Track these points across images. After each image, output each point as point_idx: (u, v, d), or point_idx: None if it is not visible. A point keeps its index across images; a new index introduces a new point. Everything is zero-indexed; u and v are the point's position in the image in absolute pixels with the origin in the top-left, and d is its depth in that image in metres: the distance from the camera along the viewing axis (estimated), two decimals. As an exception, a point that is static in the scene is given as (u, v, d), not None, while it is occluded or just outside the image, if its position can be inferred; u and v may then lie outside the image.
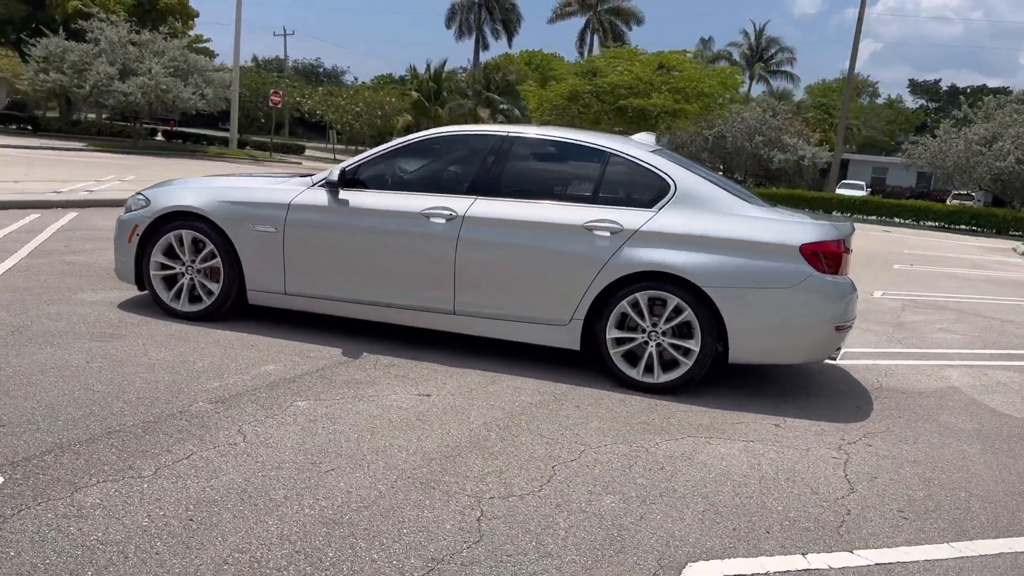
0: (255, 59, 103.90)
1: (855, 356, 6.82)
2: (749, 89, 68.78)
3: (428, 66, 61.04)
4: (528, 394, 4.91)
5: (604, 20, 63.04)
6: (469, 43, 68.12)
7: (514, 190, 5.47)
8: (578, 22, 64.80)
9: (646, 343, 5.17)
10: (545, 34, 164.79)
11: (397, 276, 5.50)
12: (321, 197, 5.62)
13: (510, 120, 50.05)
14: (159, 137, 44.93)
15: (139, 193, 6.10)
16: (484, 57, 65.41)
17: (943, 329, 8.55)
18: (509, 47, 69.04)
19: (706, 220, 5.15)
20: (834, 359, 5.43)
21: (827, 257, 5.06)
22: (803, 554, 3.21)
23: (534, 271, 5.28)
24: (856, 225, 6.47)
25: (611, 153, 5.48)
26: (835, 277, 5.09)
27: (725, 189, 5.38)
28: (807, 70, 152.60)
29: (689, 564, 3.04)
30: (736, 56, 72.57)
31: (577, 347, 5.32)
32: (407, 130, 49.23)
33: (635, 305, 5.15)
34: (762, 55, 73.49)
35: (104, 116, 44.60)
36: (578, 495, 3.54)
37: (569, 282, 5.21)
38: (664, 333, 5.14)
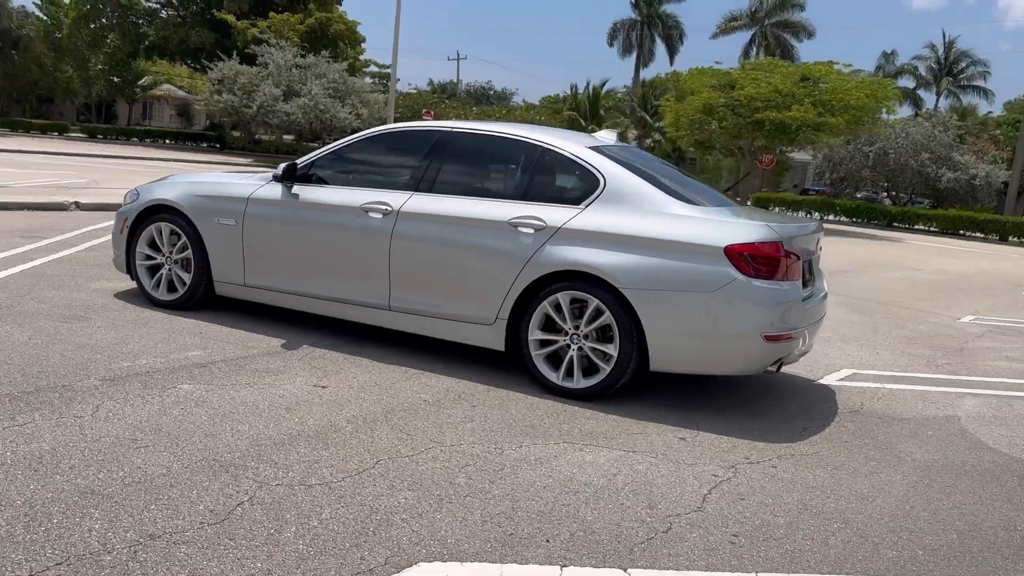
0: (430, 82, 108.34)
1: (862, 378, 6.19)
2: (936, 104, 64.10)
3: (588, 85, 61.40)
4: (432, 392, 4.80)
5: (771, 34, 60.89)
6: (633, 61, 67.75)
7: (450, 185, 5.39)
8: (743, 36, 63.02)
9: (568, 346, 4.93)
10: (709, 50, 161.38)
11: (339, 270, 5.55)
12: (276, 191, 5.78)
13: (665, 138, 49.27)
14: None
15: (135, 188, 6.50)
16: (647, 74, 64.87)
17: (1008, 357, 7.57)
18: (670, 64, 68.24)
19: (630, 218, 4.85)
20: (773, 372, 4.92)
21: (756, 260, 4.62)
22: (562, 566, 2.93)
23: (461, 268, 5.18)
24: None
25: (544, 148, 5.28)
26: (767, 282, 4.63)
27: (661, 186, 5.05)
28: (1012, 85, 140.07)
29: (418, 563, 2.86)
30: (922, 70, 67.92)
31: (502, 347, 5.14)
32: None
33: (557, 306, 4.92)
34: (951, 69, 68.27)
35: (270, 134, 47.87)
36: (374, 489, 3.41)
37: (493, 280, 5.06)
38: (586, 336, 4.88)
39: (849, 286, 11.68)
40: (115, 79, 53.38)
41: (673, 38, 64.64)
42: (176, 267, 6.14)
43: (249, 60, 37.33)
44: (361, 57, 53.21)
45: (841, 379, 6.13)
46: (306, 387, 4.66)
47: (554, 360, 4.99)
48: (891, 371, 6.54)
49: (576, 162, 5.15)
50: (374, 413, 4.33)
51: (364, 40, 49.51)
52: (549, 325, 4.98)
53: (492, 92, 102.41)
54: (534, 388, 5.01)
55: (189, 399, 4.26)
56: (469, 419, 4.39)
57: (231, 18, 43.46)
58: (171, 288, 6.16)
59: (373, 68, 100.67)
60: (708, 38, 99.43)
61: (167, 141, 47.45)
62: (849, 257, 16.41)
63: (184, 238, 6.05)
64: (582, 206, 4.98)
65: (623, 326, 4.73)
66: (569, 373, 4.91)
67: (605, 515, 3.37)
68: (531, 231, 4.97)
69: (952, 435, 4.99)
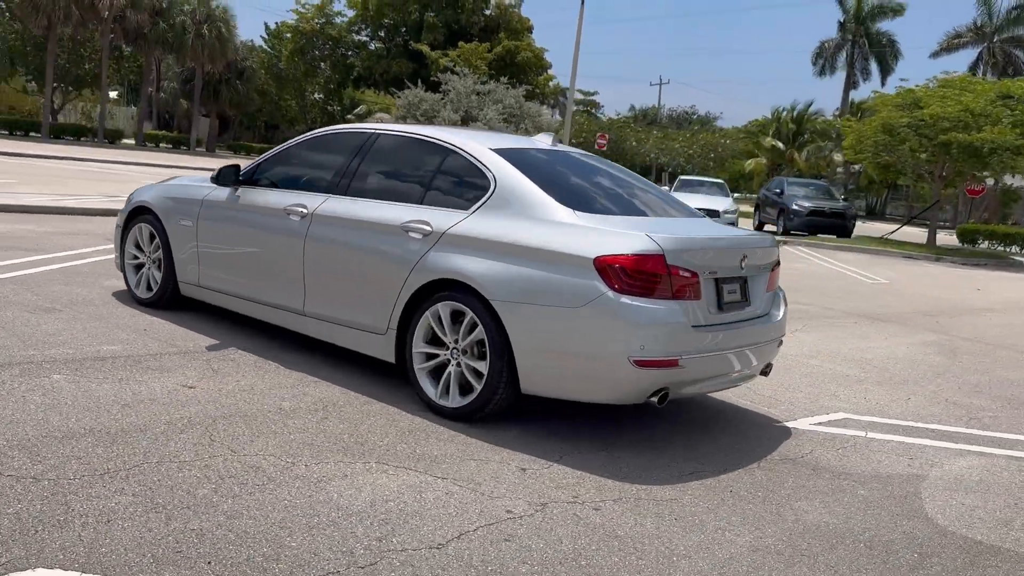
0: (631, 108, 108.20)
1: (849, 423, 5.29)
2: None
3: (792, 108, 58.64)
4: (300, 400, 4.61)
5: (1001, 51, 55.17)
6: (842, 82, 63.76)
7: (364, 188, 5.20)
8: (968, 54, 57.54)
9: (448, 361, 4.57)
10: (929, 70, 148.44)
11: (265, 273, 5.52)
12: (224, 194, 5.85)
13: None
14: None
15: (135, 190, 6.84)
16: (857, 95, 60.81)
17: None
18: (882, 85, 63.35)
19: (508, 224, 4.43)
20: (658, 404, 4.24)
21: (628, 274, 4.04)
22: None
23: (360, 274, 4.97)
24: None
25: (449, 149, 4.96)
26: (640, 299, 4.04)
27: (558, 191, 4.57)
28: None
29: (36, 568, 2.68)
30: None
31: (392, 359, 4.85)
32: (768, 173, 47.91)
33: (439, 317, 4.58)
34: None
35: None
36: (96, 490, 3.27)
37: (385, 288, 4.80)
38: (464, 352, 4.49)
39: (969, 326, 10.15)
40: (329, 107, 57.76)
41: (886, 57, 60.14)
42: (153, 267, 6.37)
43: (436, 88, 39.05)
44: (551, 83, 54.00)
45: (818, 423, 5.26)
46: (175, 386, 4.62)
47: (437, 375, 4.64)
48: (899, 420, 5.53)
49: (473, 164, 4.79)
50: (208, 417, 4.20)
51: (550, 67, 50.29)
52: (434, 338, 4.64)
53: (695, 116, 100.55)
54: (419, 405, 4.69)
55: (44, 389, 4.34)
56: (303, 430, 4.16)
57: (426, 48, 45.71)
58: (148, 287, 6.40)
59: (577, 95, 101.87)
60: (928, 56, 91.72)
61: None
62: (1002, 296, 14.32)
63: (158, 238, 6.27)
64: (470, 210, 4.62)
65: (494, 342, 4.31)
66: (447, 390, 4.55)
67: (315, 542, 3.03)
68: (419, 236, 4.68)
69: (891, 498, 4.10)
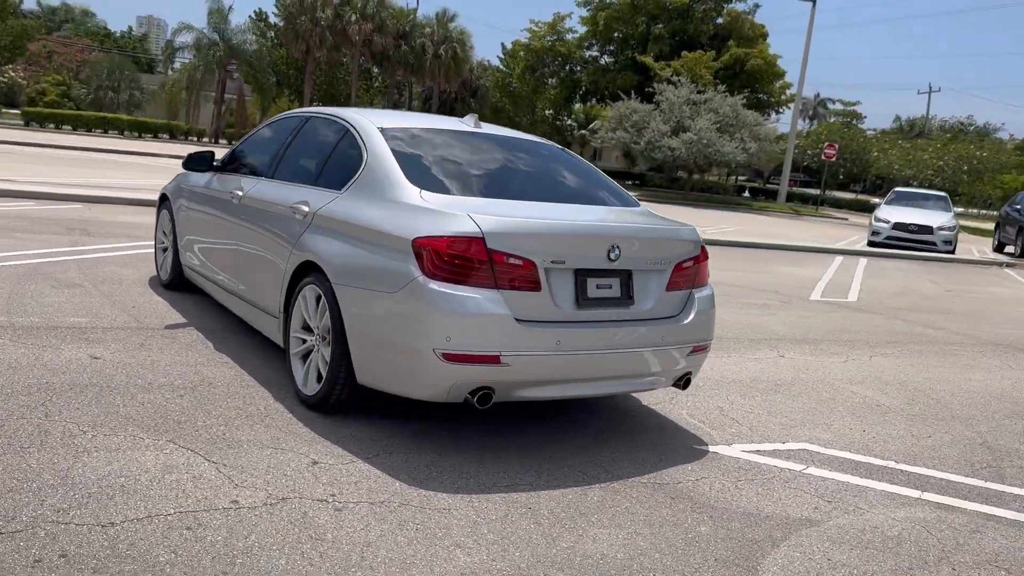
0: (896, 119, 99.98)
1: (798, 456, 4.45)
2: None
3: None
4: (190, 379, 4.63)
5: None
6: None
7: (286, 170, 5.19)
8: None
9: (313, 347, 4.42)
10: None
11: (218, 256, 5.67)
12: (201, 180, 6.11)
13: None
14: (746, 193, 47.54)
15: (169, 182, 7.34)
16: None
17: None
18: None
19: (362, 204, 4.22)
20: (478, 405, 3.74)
21: (440, 257, 3.66)
22: None
23: (261, 256, 4.96)
24: None
25: (346, 128, 4.79)
26: (451, 286, 3.64)
27: (424, 171, 4.25)
28: None
29: None
30: None
31: (281, 344, 4.78)
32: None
33: (305, 301, 4.44)
34: None
35: (718, 174, 48.48)
36: None
37: (276, 269, 4.75)
38: (323, 338, 4.32)
39: None
40: (558, 122, 58.93)
41: None
42: (170, 251, 6.78)
43: (650, 99, 38.50)
44: (788, 91, 51.25)
45: (757, 450, 4.46)
46: (83, 356, 4.85)
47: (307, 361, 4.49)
48: (878, 458, 4.56)
49: (357, 142, 4.59)
50: (70, 384, 4.33)
51: (784, 74, 47.70)
52: (306, 323, 4.50)
53: (972, 128, 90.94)
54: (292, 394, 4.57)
55: (-34, 349, 4.74)
56: (141, 405, 4.17)
57: (650, 60, 45.22)
58: (168, 270, 6.83)
59: (837, 105, 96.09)
60: None
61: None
62: None
63: (171, 224, 6.68)
64: (342, 190, 4.44)
65: (335, 327, 4.10)
66: (308, 376, 4.39)
67: (15, 504, 3.01)
68: (300, 217, 4.58)
69: (732, 542, 3.36)
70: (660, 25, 48.21)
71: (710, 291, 4.48)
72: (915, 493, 4.09)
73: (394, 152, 4.33)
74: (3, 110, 46.93)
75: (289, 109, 55.65)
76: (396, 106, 59.16)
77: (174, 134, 45.83)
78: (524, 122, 58.55)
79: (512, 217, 3.83)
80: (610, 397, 5.05)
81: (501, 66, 57.39)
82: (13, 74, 55.92)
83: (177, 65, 53.42)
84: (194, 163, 5.96)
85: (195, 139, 46.59)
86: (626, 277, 4.07)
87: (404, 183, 4.10)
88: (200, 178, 6.18)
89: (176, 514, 3.09)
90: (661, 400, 5.18)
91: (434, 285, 3.65)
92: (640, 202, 4.80)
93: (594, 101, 53.97)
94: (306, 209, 4.51)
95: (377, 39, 47.19)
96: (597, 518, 3.44)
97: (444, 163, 4.41)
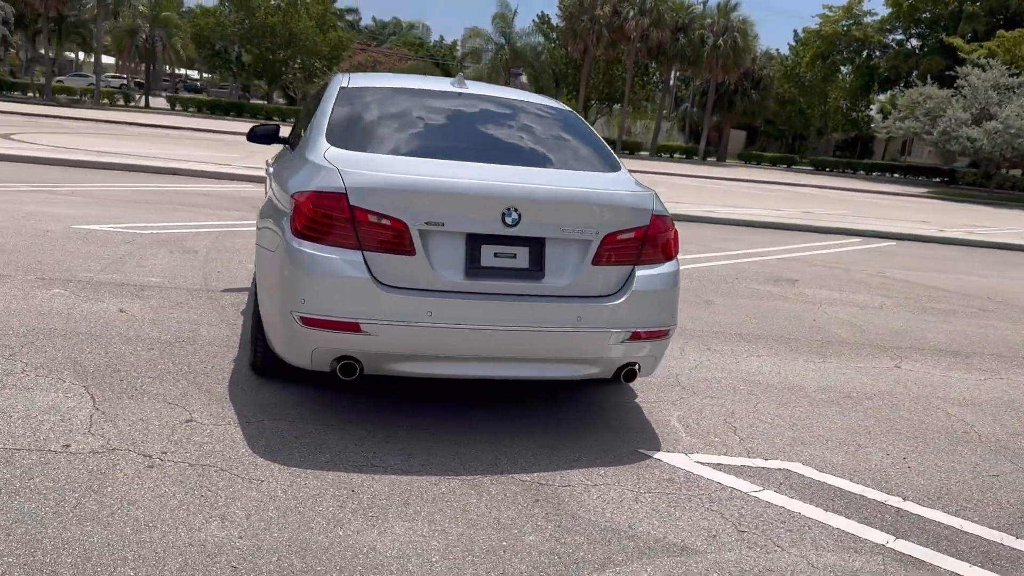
0: None
1: (772, 479, 3.64)
2: None
3: None
4: (185, 335, 4.83)
5: None
6: None
7: (295, 138, 5.19)
8: None
9: (265, 310, 4.40)
10: None
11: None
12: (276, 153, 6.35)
13: None
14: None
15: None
16: None
17: None
18: None
19: (285, 164, 4.31)
20: (342, 377, 3.40)
21: (304, 214, 3.45)
22: None
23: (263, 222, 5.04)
24: None
25: (324, 89, 4.66)
26: (311, 244, 3.41)
27: (347, 130, 3.98)
28: None
29: None
30: None
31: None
32: None
33: (263, 264, 4.43)
34: None
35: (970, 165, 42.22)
36: None
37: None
38: (266, 300, 4.28)
39: None
40: (854, 113, 54.40)
41: None
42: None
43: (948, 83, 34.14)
44: None
45: (720, 464, 3.69)
46: (113, 308, 5.25)
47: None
48: (864, 485, 3.56)
49: (320, 103, 4.44)
50: (65, 330, 4.69)
51: None
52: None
53: None
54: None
55: (32, 295, 5.33)
56: (99, 354, 4.39)
57: (959, 41, 40.26)
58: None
59: None
60: None
61: (894, 175, 46.62)
62: None
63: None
64: (296, 148, 4.34)
65: (252, 289, 4.04)
66: (259, 341, 4.38)
67: None
68: (266, 175, 4.60)
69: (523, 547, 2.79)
70: (975, 2, 42.55)
71: (666, 270, 3.76)
72: (884, 539, 3.14)
73: (336, 111, 4.13)
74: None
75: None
76: (677, 103, 58.16)
77: (459, 132, 48.88)
78: (815, 113, 54.75)
79: (383, 173, 3.48)
80: (592, 385, 4.47)
81: (791, 55, 54.11)
82: (336, 81, 63.31)
83: (470, 69, 56.87)
84: (258, 137, 6.19)
85: (478, 137, 49.34)
86: (537, 247, 3.54)
87: (320, 141, 3.88)
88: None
89: (2, 449, 3.19)
90: (657, 399, 4.49)
91: (296, 243, 3.43)
92: (623, 168, 4.14)
93: (900, 88, 48.96)
94: (269, 169, 4.49)
95: (654, 33, 46.58)
96: (415, 510, 3.03)
97: (385, 122, 4.12)
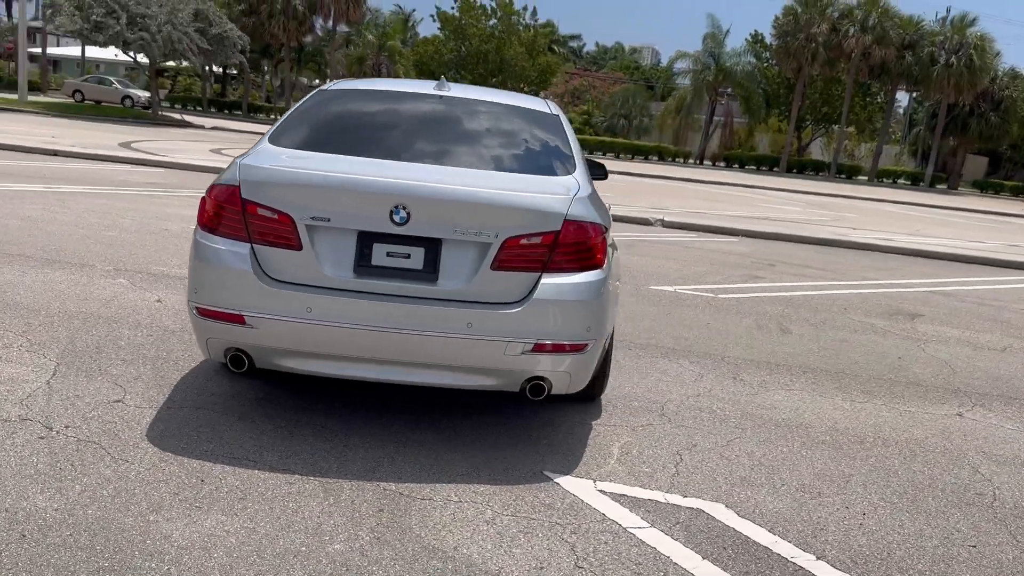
0: None
1: (677, 513, 3.26)
2: None
3: None
4: (185, 329, 5.14)
5: None
6: None
7: None
8: None
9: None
10: None
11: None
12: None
13: None
14: None
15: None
16: None
17: None
18: None
19: None
20: (232, 369, 3.37)
21: (206, 206, 3.54)
22: None
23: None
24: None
25: None
26: (208, 236, 3.50)
27: (294, 129, 4.01)
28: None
29: None
30: None
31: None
32: None
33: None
34: None
35: None
36: (-98, 326, 4.64)
37: None
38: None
39: None
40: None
41: None
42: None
43: None
44: None
45: (621, 496, 3.34)
46: (153, 299, 5.66)
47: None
48: (794, 545, 3.05)
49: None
50: (82, 314, 5.12)
51: None
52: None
53: None
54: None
55: (95, 284, 5.89)
56: (92, 333, 4.76)
57: None
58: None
59: None
60: None
61: None
62: None
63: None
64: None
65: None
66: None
67: None
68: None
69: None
70: None
71: (582, 279, 3.45)
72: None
73: (297, 111, 4.18)
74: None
75: (778, 129, 54.28)
76: (911, 125, 53.87)
77: (663, 157, 48.18)
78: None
79: (274, 167, 3.48)
80: (551, 403, 4.20)
81: (1040, 74, 48.39)
82: (545, 106, 64.79)
83: (679, 89, 55.97)
84: None
85: (681, 161, 48.37)
86: (433, 248, 3.39)
87: (262, 140, 3.94)
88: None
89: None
90: (617, 424, 4.14)
91: (199, 235, 3.53)
92: (574, 174, 3.85)
93: None
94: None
95: (876, 51, 43.48)
96: (243, 506, 2.99)
97: (329, 122, 4.10)
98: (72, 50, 60.12)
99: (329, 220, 3.37)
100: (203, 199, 3.54)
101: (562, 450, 3.75)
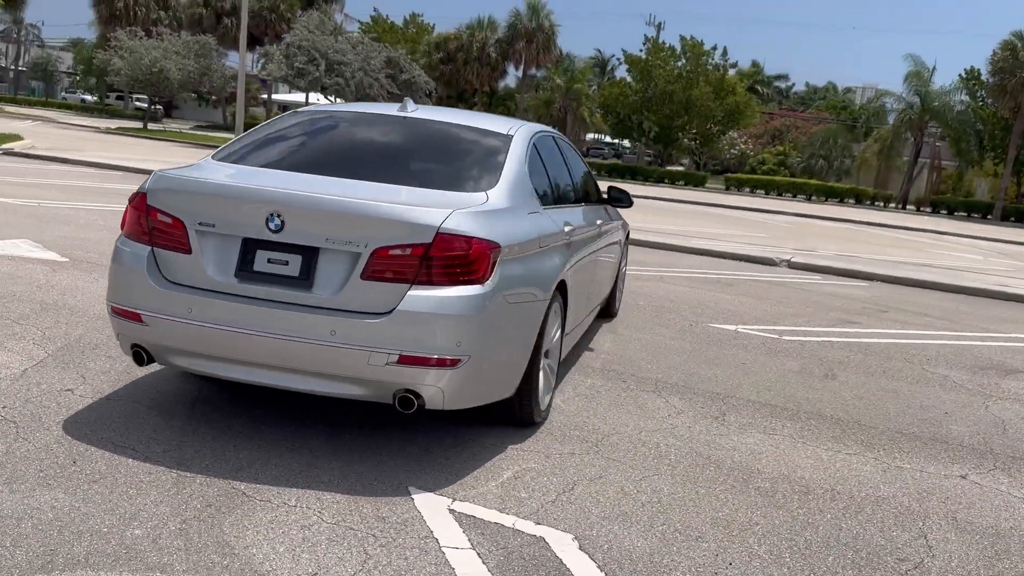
0: None
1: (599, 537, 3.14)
2: None
3: None
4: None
5: None
6: None
7: None
8: None
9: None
10: None
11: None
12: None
13: None
14: None
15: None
16: None
17: None
18: None
19: None
20: (136, 363, 3.57)
21: (126, 213, 3.86)
22: None
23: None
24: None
25: None
26: (126, 240, 3.81)
27: (242, 144, 4.30)
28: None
29: None
30: None
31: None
32: None
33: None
34: None
35: None
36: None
37: None
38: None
39: None
40: None
41: None
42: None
43: None
44: None
45: (471, 517, 3.23)
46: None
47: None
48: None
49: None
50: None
51: None
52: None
53: None
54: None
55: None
56: (81, 325, 5.21)
57: None
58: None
59: None
60: None
61: None
62: None
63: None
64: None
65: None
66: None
67: None
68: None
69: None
70: None
71: (456, 293, 3.39)
72: None
73: (257, 129, 4.46)
74: (710, 175, 52.84)
75: (992, 173, 49.45)
76: None
77: (860, 199, 45.45)
78: None
79: (177, 176, 3.71)
80: (475, 420, 4.13)
81: None
82: (743, 146, 63.05)
83: (876, 130, 52.73)
84: None
85: (880, 204, 45.35)
86: (310, 256, 3.48)
87: (214, 157, 4.22)
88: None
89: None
90: (528, 449, 3.99)
91: (119, 239, 3.83)
92: (489, 192, 3.82)
93: None
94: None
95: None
96: (86, 488, 3.19)
97: (269, 139, 4.31)
98: (297, 96, 66.24)
99: (214, 226, 3.56)
100: (127, 207, 3.85)
101: (452, 468, 3.68)
